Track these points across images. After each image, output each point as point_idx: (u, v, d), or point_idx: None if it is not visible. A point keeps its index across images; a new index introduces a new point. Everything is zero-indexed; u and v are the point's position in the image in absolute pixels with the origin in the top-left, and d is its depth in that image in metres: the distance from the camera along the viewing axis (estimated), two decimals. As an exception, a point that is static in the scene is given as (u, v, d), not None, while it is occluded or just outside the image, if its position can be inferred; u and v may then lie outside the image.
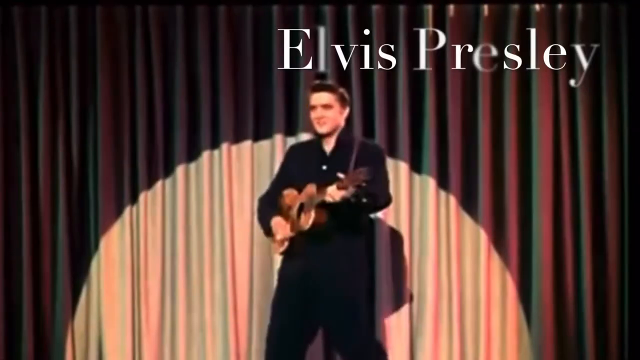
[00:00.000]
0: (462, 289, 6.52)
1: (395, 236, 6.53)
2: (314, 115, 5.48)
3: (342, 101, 5.51)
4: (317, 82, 5.72)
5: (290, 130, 6.53)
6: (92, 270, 6.57)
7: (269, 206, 5.60)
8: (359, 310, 5.42)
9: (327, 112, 5.46)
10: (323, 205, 5.25)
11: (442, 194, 6.51)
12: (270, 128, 6.55)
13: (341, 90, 5.54)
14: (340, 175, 5.09)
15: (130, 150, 6.55)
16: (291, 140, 6.46)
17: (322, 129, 5.47)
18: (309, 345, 5.59)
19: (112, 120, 6.55)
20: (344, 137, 5.52)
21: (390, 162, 6.42)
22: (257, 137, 6.59)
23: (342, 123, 5.53)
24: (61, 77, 6.52)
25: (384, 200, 5.49)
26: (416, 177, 6.53)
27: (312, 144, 5.64)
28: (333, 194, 5.15)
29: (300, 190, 5.42)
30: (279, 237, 5.46)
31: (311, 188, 5.33)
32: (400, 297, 6.51)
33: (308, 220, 5.29)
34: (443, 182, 6.50)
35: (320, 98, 5.46)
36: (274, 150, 6.49)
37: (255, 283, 6.56)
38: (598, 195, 6.47)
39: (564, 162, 6.45)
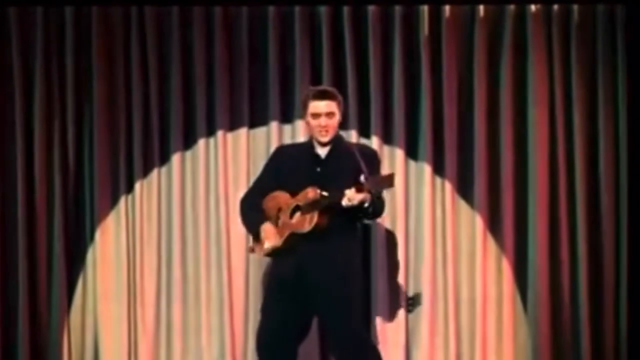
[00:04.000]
0: (458, 275, 6.50)
1: (391, 236, 6.52)
2: (315, 123, 5.40)
3: (340, 107, 5.47)
4: (319, 89, 5.56)
5: (286, 118, 6.54)
6: (88, 262, 6.53)
7: (253, 208, 5.53)
8: (354, 309, 5.38)
9: (330, 121, 5.40)
10: (327, 209, 5.22)
11: (438, 180, 6.52)
12: (265, 115, 6.55)
13: (340, 96, 5.49)
14: (362, 179, 5.03)
15: (125, 140, 6.54)
16: (287, 128, 6.52)
17: (325, 138, 5.41)
18: (300, 345, 5.54)
19: (108, 109, 6.54)
20: (337, 140, 5.46)
21: (385, 149, 6.49)
22: (252, 125, 6.58)
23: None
24: (57, 74, 6.52)
25: (382, 209, 5.46)
26: (412, 163, 6.54)
27: (304, 146, 5.56)
28: (352, 196, 5.11)
29: (291, 193, 5.38)
30: (267, 245, 5.38)
31: (313, 191, 5.27)
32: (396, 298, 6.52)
33: (310, 222, 5.25)
34: (439, 169, 6.51)
35: (324, 107, 5.38)
36: (269, 138, 6.49)
37: (251, 279, 6.53)
38: (593, 177, 6.48)
39: (559, 145, 6.46)
